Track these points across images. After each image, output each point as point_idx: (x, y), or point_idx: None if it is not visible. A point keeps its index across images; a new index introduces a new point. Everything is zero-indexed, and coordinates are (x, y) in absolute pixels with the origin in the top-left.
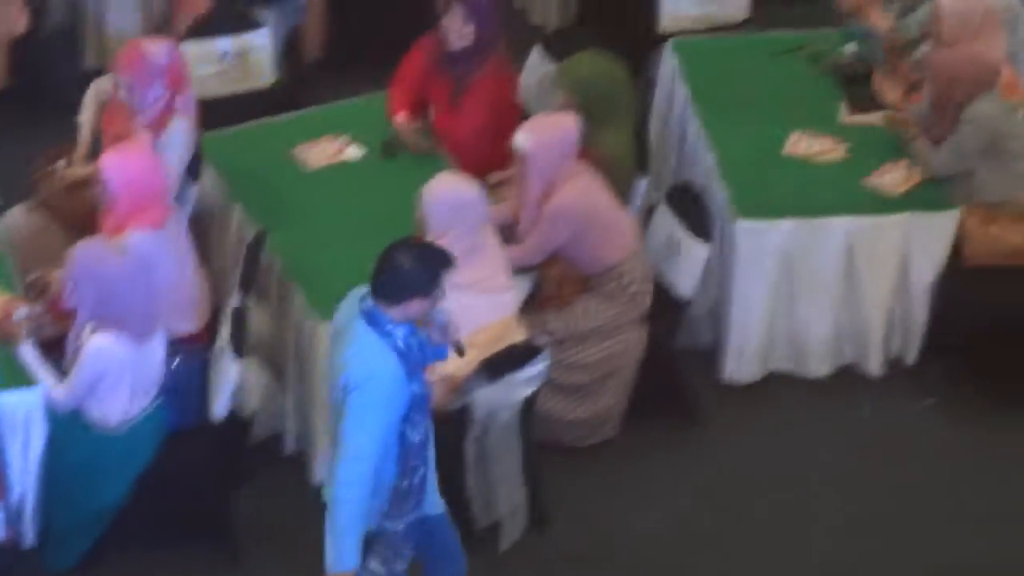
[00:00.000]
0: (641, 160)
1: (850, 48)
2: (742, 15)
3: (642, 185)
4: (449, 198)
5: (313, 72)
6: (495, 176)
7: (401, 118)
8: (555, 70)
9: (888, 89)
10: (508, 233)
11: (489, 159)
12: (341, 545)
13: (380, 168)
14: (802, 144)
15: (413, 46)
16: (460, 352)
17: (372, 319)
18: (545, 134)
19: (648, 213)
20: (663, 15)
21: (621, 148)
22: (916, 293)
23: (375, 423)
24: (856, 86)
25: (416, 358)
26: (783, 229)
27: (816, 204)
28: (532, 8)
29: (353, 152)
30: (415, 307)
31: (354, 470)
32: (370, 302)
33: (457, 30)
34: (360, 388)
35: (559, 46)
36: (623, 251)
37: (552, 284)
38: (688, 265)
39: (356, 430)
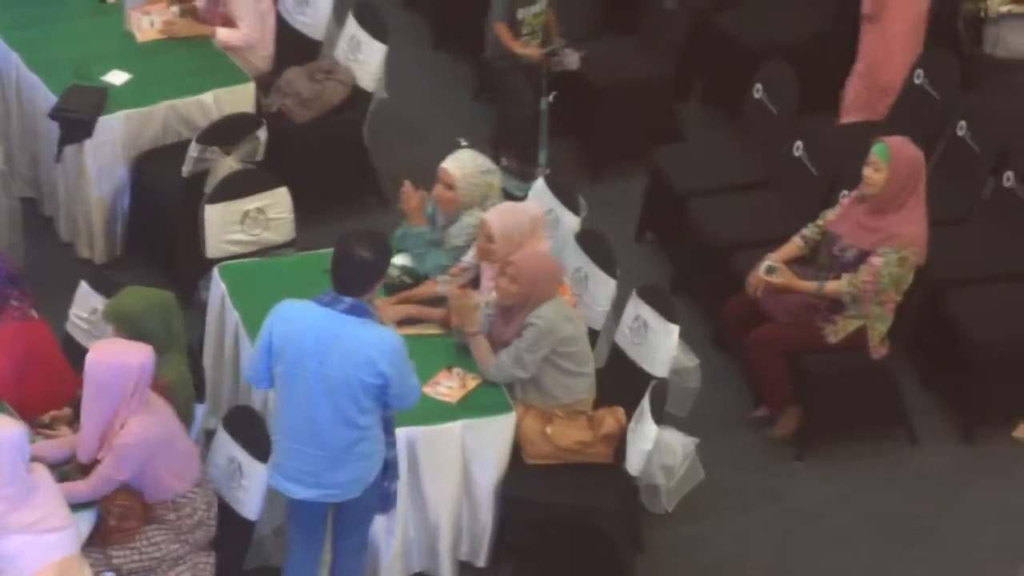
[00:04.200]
0: (198, 386)
1: (401, 260)
2: (288, 237)
3: (200, 410)
4: (2, 437)
5: None
6: (49, 415)
7: None
8: (102, 308)
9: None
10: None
11: (33, 401)
12: None
13: None
14: None
15: None
16: None
17: (359, 311)
18: (108, 357)
19: (208, 437)
20: (208, 242)
21: (179, 374)
22: (481, 496)
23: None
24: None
25: None
26: None
27: None
28: (79, 242)
29: None
30: (376, 287)
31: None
32: (349, 300)
33: None
34: (395, 358)
35: (106, 280)
36: (188, 481)
37: (114, 517)
38: (252, 486)
39: (411, 376)
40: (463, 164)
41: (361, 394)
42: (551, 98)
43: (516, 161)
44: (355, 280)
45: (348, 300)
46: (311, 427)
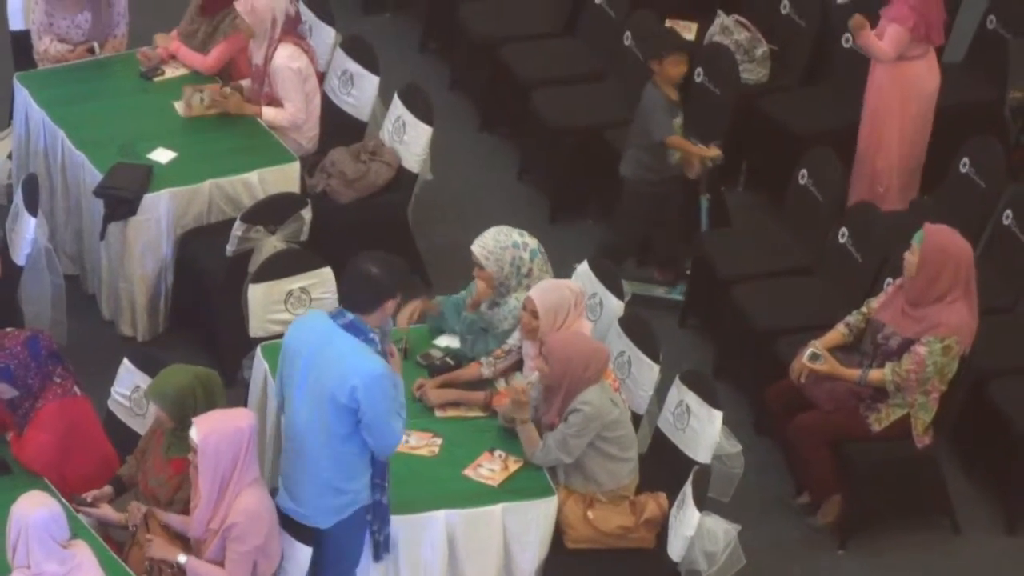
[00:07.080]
0: None
1: (445, 341)
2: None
3: None
4: (29, 518)
5: None
6: (91, 493)
7: None
8: (145, 386)
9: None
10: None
11: (74, 478)
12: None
13: None
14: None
15: None
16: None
17: (354, 329)
18: (218, 425)
19: None
20: (252, 321)
21: None
22: None
23: (398, 406)
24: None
25: None
26: None
27: (416, 499)
28: (121, 320)
29: None
30: (389, 307)
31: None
32: (349, 316)
33: None
34: (373, 388)
35: (149, 358)
36: (273, 565)
37: None
38: (293, 569)
39: (392, 415)
40: (484, 243)
41: (336, 413)
42: (709, 195)
43: (658, 271)
44: (356, 294)
45: (349, 316)
46: (295, 430)
